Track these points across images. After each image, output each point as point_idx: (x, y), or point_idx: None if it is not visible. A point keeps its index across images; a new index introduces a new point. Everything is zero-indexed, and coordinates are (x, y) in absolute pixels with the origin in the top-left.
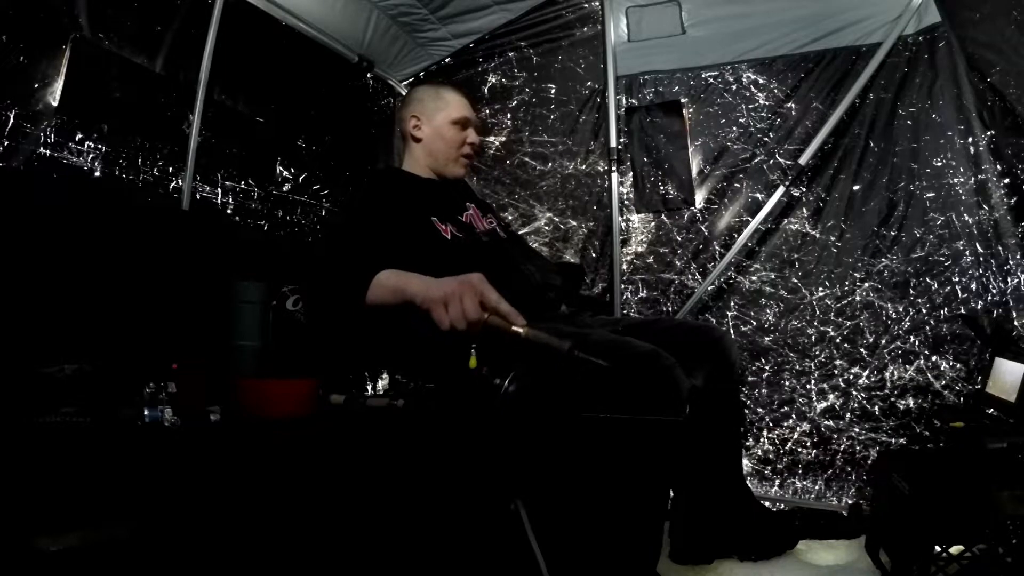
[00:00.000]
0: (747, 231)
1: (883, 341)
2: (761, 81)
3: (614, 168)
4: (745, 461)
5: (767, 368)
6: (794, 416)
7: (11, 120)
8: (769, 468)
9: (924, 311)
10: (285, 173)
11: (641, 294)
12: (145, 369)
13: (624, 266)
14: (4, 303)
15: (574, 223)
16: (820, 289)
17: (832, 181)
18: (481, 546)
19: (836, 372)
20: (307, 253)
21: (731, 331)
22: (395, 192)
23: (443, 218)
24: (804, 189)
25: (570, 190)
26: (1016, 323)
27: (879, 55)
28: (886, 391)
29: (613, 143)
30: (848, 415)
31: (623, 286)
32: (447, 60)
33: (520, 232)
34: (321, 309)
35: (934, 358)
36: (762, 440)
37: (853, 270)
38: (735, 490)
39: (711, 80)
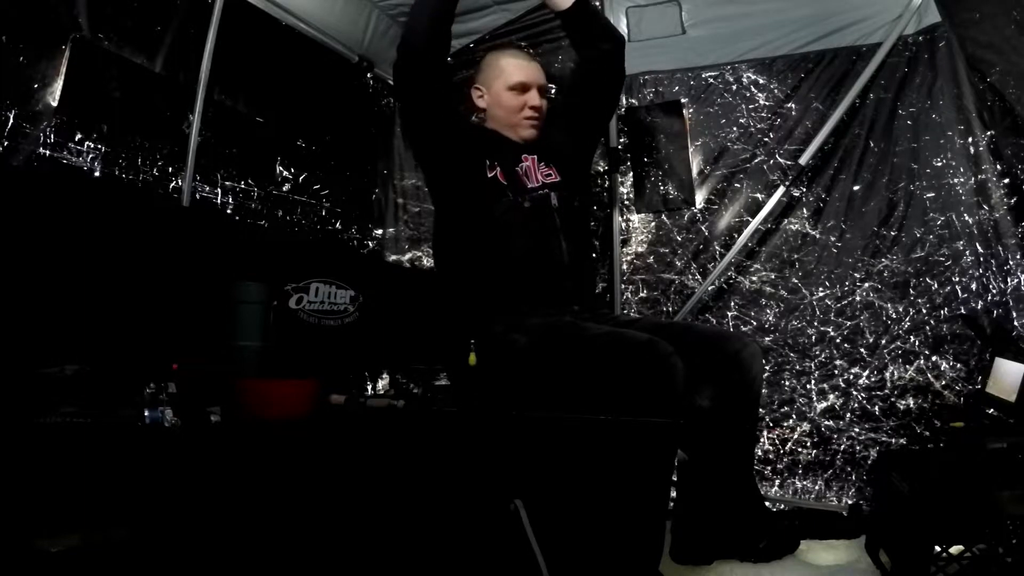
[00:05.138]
0: (747, 231)
1: (883, 341)
2: (761, 81)
3: (615, 168)
4: None
5: (767, 368)
6: (794, 416)
7: (11, 120)
8: (769, 468)
9: (924, 311)
10: (285, 173)
11: (641, 294)
12: (145, 369)
13: (624, 266)
14: (4, 304)
15: None
16: (820, 289)
17: (832, 181)
18: (481, 546)
19: (836, 372)
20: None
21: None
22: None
23: (493, 161)
24: (804, 189)
25: None
26: (1016, 323)
27: (879, 55)
28: (886, 391)
29: (613, 143)
30: (848, 415)
31: (623, 286)
32: (447, 60)
33: None
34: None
35: (934, 358)
36: (762, 440)
37: (853, 270)
38: (741, 498)
39: (711, 80)
